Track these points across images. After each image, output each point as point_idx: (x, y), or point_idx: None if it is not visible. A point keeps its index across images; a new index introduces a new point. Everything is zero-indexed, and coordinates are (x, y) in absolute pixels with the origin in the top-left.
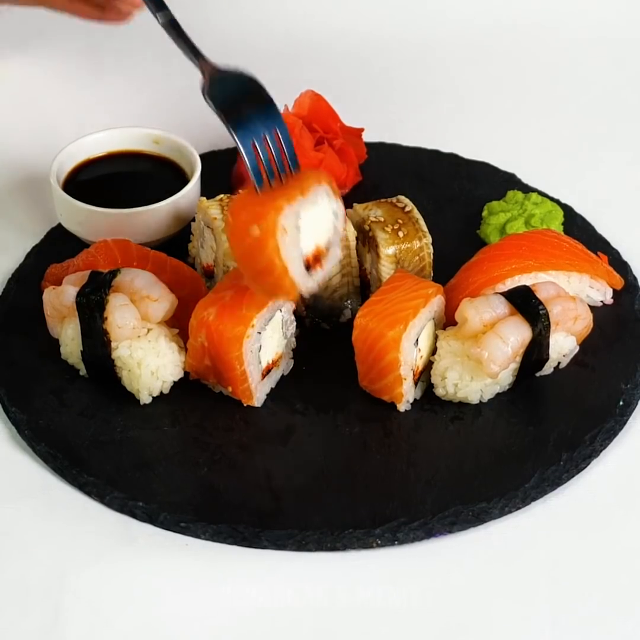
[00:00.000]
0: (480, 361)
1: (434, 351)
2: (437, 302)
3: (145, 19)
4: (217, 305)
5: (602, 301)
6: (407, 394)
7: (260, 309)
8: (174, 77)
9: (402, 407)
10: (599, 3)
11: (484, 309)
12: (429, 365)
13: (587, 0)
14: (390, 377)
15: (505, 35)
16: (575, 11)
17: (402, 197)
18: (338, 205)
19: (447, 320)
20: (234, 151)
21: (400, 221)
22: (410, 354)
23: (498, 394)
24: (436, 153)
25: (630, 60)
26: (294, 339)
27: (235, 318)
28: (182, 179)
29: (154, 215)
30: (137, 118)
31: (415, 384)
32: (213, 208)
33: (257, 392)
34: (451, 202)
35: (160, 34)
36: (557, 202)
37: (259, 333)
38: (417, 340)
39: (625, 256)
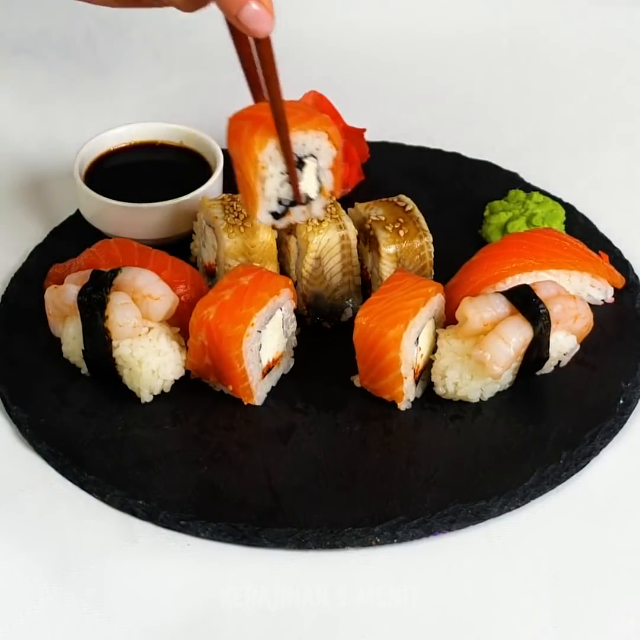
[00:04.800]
0: (482, 363)
1: (434, 350)
2: (437, 301)
3: (146, 19)
4: (217, 304)
5: (603, 300)
6: (407, 393)
7: (260, 307)
8: (173, 76)
9: (403, 405)
10: (599, 3)
11: (484, 308)
12: (429, 363)
13: (588, 0)
14: (391, 376)
15: (507, 34)
16: (575, 11)
17: (403, 196)
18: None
19: (447, 319)
20: None
21: (401, 220)
22: (410, 352)
23: (498, 393)
24: (439, 152)
25: (631, 59)
26: (294, 338)
27: (235, 317)
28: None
29: (174, 211)
30: (138, 117)
31: (416, 382)
32: (214, 207)
33: (258, 390)
34: (453, 201)
35: (161, 33)
36: (559, 201)
37: (259, 331)
38: (417, 339)
39: (627, 255)
